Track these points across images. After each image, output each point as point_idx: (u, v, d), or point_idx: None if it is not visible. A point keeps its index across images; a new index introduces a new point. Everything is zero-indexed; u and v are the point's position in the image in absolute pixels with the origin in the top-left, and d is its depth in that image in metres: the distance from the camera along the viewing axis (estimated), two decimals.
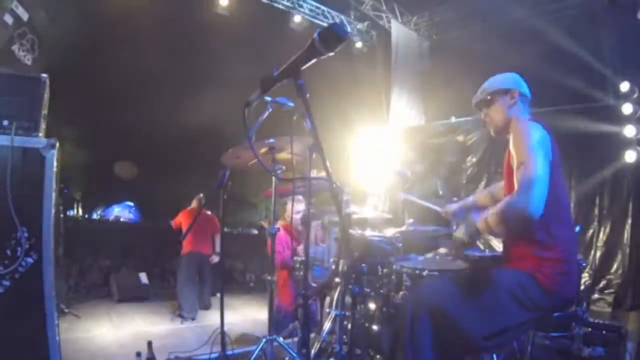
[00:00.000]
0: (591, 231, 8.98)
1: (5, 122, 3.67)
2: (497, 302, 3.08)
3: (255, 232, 16.69)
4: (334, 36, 1.99)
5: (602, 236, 8.94)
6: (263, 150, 4.22)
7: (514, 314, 3.10)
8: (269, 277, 4.74)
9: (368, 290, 5.18)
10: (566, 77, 9.22)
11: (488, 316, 3.09)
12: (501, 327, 3.11)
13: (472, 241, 3.28)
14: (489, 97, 3.62)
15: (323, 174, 2.41)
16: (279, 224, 5.52)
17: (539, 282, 3.08)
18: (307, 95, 2.12)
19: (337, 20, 12.99)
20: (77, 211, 17.90)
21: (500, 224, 3.07)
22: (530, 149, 3.08)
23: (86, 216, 18.30)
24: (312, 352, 4.90)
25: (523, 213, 2.93)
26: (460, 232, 3.34)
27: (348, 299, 4.96)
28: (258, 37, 13.08)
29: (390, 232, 5.44)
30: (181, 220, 9.57)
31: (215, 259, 9.44)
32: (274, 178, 4.48)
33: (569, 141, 8.77)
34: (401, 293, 4.77)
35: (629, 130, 8.59)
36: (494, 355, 4.56)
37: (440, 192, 9.86)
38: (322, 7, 12.90)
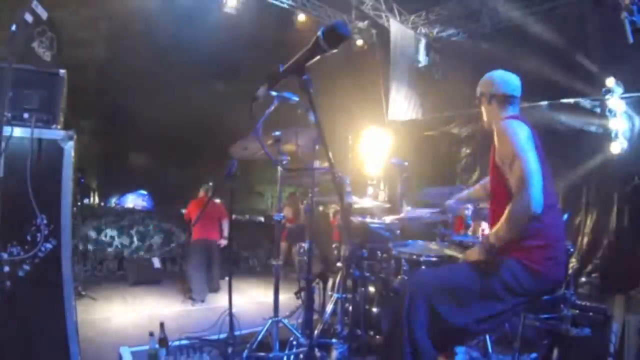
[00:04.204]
0: (579, 219, 9.02)
1: (26, 115, 3.67)
2: (488, 288, 3.09)
3: (262, 219, 16.69)
4: (336, 34, 1.99)
5: (589, 223, 8.97)
6: (269, 142, 4.23)
7: (504, 299, 3.10)
8: (274, 262, 4.76)
9: (368, 274, 5.19)
10: (555, 73, 9.21)
11: (480, 301, 3.10)
12: (492, 311, 3.12)
13: (487, 256, 3.26)
14: (478, 96, 3.70)
15: (326, 164, 2.41)
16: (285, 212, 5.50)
17: (527, 267, 3.08)
18: (311, 90, 2.12)
19: (339, 19, 12.95)
20: (93, 199, 17.92)
21: (511, 229, 3.08)
22: (520, 147, 3.09)
23: (102, 204, 18.31)
24: (315, 332, 4.92)
25: (528, 211, 2.95)
26: (474, 252, 3.35)
27: (349, 283, 4.97)
28: (264, 35, 13.07)
29: (389, 219, 5.44)
30: (191, 211, 9.58)
31: (224, 242, 9.45)
32: (279, 168, 4.49)
33: (558, 133, 8.83)
34: (399, 277, 4.78)
35: (614, 123, 8.60)
36: (487, 336, 4.59)
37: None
38: (325, 7, 12.86)
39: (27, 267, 3.56)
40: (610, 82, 8.65)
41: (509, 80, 3.55)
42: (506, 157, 3.16)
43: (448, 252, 4.54)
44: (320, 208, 11.90)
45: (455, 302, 3.09)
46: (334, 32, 1.98)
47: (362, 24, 13.42)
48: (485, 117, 3.66)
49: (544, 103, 9.35)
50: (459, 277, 3.22)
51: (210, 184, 9.91)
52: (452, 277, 3.24)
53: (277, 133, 4.16)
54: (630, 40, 7.39)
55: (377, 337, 4.74)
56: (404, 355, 3.02)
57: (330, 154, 2.21)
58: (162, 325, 4.47)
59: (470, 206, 5.04)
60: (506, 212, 3.08)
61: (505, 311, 3.16)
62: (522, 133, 3.16)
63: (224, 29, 12.14)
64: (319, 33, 2.01)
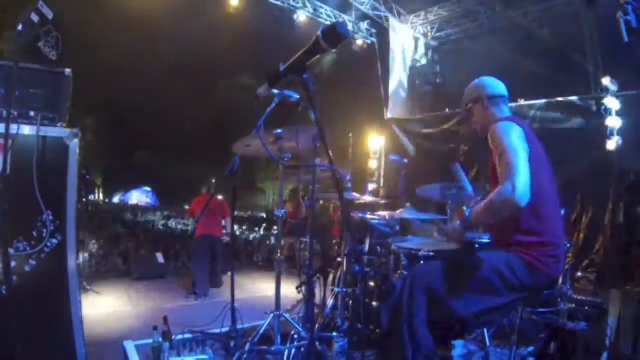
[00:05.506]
0: (575, 215, 9.02)
1: (32, 113, 3.67)
2: (487, 283, 3.07)
3: (263, 215, 16.69)
4: (336, 34, 1.99)
5: (585, 219, 8.98)
6: (271, 139, 4.22)
7: (503, 293, 3.08)
8: (276, 257, 4.75)
9: (368, 269, 5.19)
10: (553, 73, 9.23)
11: (478, 296, 3.08)
12: (491, 305, 3.11)
13: (463, 232, 3.29)
14: (467, 109, 3.66)
15: (327, 162, 2.41)
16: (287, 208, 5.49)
17: (527, 263, 3.06)
18: (312, 89, 2.12)
19: (339, 19, 12.93)
20: (98, 196, 17.95)
21: (489, 213, 3.05)
22: (509, 145, 3.06)
23: (107, 200, 18.35)
24: (316, 326, 4.92)
25: (510, 200, 2.88)
26: (455, 232, 3.37)
27: (349, 278, 4.97)
28: (266, 34, 13.08)
29: (388, 215, 5.44)
30: (194, 207, 9.58)
31: (227, 238, 9.46)
32: (280, 165, 4.49)
33: (555, 131, 8.84)
34: (399, 272, 4.77)
35: (610, 121, 8.63)
36: (485, 330, 4.59)
37: None
38: (326, 7, 12.86)
39: (33, 262, 3.57)
40: (605, 80, 8.67)
41: (496, 81, 3.55)
42: (495, 154, 3.15)
43: (447, 247, 4.54)
44: (321, 202, 11.93)
45: (454, 296, 3.08)
46: (334, 31, 1.99)
47: (362, 24, 13.43)
48: (480, 124, 3.60)
49: (541, 101, 9.36)
50: (458, 271, 3.21)
51: (213, 180, 9.91)
52: (451, 271, 3.23)
53: (279, 131, 4.15)
54: (626, 39, 7.39)
55: (377, 331, 4.74)
56: (404, 349, 3.02)
57: (331, 152, 2.21)
58: (165, 319, 4.48)
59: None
60: (490, 195, 3.07)
61: (503, 305, 3.14)
62: (513, 133, 3.13)
63: (225, 28, 12.15)
64: (319, 33, 2.01)
